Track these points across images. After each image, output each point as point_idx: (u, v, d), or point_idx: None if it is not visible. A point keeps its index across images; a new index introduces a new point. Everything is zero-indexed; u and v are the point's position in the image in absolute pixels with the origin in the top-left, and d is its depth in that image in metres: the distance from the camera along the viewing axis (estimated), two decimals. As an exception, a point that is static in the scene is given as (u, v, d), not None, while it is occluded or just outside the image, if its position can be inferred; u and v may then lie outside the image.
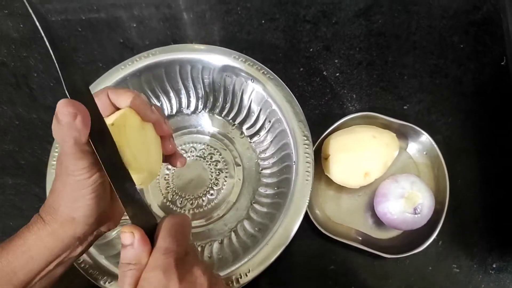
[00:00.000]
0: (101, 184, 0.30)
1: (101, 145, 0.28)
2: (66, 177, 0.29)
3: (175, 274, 0.28)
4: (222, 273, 0.42)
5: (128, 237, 0.28)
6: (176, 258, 0.28)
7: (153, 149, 0.35)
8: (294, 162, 0.47)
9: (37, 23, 0.27)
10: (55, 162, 0.48)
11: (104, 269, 0.43)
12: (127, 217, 0.29)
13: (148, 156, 0.33)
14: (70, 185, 0.29)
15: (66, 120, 0.25)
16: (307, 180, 0.45)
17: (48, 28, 0.27)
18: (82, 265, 0.43)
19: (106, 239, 0.46)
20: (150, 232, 0.29)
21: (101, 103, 0.32)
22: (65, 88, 0.27)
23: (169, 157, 0.38)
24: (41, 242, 0.30)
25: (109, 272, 0.43)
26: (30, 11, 0.27)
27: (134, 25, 0.63)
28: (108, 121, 0.31)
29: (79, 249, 0.33)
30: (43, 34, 0.27)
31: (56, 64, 0.27)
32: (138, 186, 0.32)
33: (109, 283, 0.42)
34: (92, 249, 0.44)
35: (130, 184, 0.30)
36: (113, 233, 0.48)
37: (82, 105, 0.26)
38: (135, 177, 0.31)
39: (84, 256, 0.44)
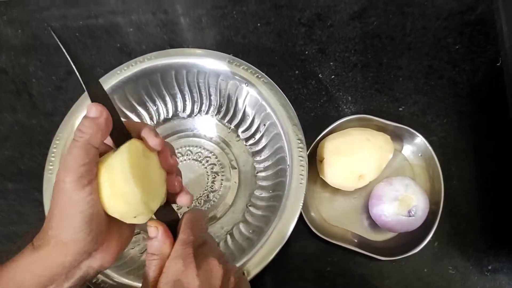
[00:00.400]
0: (93, 205, 0.29)
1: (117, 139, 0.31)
2: (60, 193, 0.28)
3: (193, 263, 0.31)
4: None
5: (153, 230, 0.32)
6: (194, 248, 0.32)
7: (155, 182, 0.33)
8: (288, 165, 0.47)
9: (59, 43, 0.31)
10: (51, 167, 0.49)
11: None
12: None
13: (149, 188, 0.31)
14: (62, 201, 0.28)
15: (93, 115, 0.29)
16: (301, 183, 0.45)
17: (69, 46, 0.31)
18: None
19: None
20: (174, 226, 0.33)
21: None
22: (90, 99, 0.30)
23: (174, 195, 0.36)
24: (30, 269, 0.30)
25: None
26: (53, 35, 0.31)
27: (132, 31, 0.64)
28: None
29: (66, 285, 0.31)
30: (65, 53, 0.30)
31: (81, 80, 0.30)
32: (133, 219, 0.31)
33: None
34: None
35: None
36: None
37: (107, 110, 0.30)
38: (130, 207, 0.30)
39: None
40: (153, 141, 0.33)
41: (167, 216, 0.34)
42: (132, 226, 0.34)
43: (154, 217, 0.33)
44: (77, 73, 0.30)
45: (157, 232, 0.32)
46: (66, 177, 0.28)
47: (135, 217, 0.31)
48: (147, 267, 0.32)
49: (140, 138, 0.33)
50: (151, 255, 0.32)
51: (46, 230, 0.30)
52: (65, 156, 0.29)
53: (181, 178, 0.36)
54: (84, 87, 0.30)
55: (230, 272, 0.34)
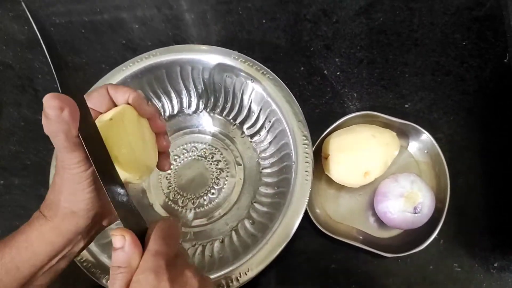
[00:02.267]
0: (96, 178, 0.30)
1: (90, 146, 0.28)
2: (63, 171, 0.29)
3: (165, 276, 0.28)
4: (221, 272, 0.43)
5: (119, 240, 0.28)
6: (166, 260, 0.28)
7: (149, 144, 0.35)
8: (294, 162, 0.47)
9: (36, 28, 0.28)
10: None
11: (106, 268, 0.44)
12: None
13: (145, 150, 0.34)
14: (68, 179, 0.29)
15: (53, 113, 0.26)
16: (306, 180, 0.45)
17: (46, 34, 0.28)
18: (85, 264, 0.44)
19: (108, 239, 0.47)
20: (141, 235, 0.29)
21: (101, 98, 0.33)
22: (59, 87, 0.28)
23: (159, 158, 0.38)
24: (43, 237, 0.31)
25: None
26: (29, 16, 0.28)
27: (137, 26, 0.64)
28: (107, 116, 0.32)
29: (81, 243, 0.33)
30: (41, 39, 0.28)
31: (52, 67, 0.28)
32: (137, 181, 0.33)
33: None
34: (94, 248, 0.45)
35: (120, 187, 0.30)
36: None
37: (68, 97, 0.26)
38: (134, 170, 0.32)
39: (87, 255, 0.45)
40: (147, 110, 0.34)
41: (134, 223, 0.30)
42: None
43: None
44: (50, 61, 0.28)
45: (123, 242, 0.28)
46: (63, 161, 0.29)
47: (138, 178, 0.33)
48: (111, 282, 0.28)
49: (127, 103, 0.34)
50: (116, 268, 0.28)
51: (56, 202, 0.31)
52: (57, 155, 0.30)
53: (168, 136, 0.38)
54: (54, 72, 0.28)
55: (206, 284, 0.31)
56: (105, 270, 0.44)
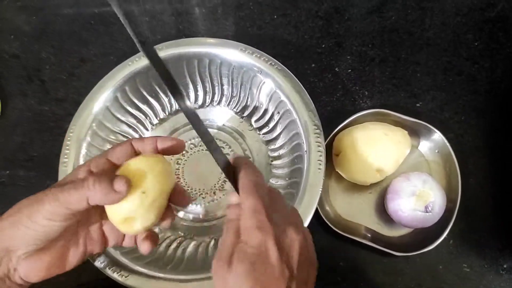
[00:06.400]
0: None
1: None
2: (57, 204, 0.29)
3: (270, 233, 0.28)
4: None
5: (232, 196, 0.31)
6: (268, 214, 0.28)
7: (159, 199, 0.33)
8: (306, 151, 0.46)
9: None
10: (66, 159, 0.48)
11: (113, 259, 0.43)
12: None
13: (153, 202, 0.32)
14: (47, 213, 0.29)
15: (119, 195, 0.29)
16: (319, 169, 0.45)
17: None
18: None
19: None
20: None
21: (124, 152, 0.33)
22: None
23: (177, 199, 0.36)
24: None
25: (118, 263, 0.43)
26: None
27: (147, 19, 0.63)
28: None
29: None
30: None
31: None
32: (120, 228, 0.32)
33: (117, 273, 0.42)
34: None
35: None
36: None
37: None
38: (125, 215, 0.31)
39: None
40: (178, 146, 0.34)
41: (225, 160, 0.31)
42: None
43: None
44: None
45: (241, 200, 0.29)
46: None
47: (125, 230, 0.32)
48: (226, 229, 0.30)
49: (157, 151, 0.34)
50: (229, 221, 0.30)
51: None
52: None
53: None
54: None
55: (307, 238, 0.31)
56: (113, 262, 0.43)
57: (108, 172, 0.31)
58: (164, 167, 0.33)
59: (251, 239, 0.28)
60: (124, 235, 0.36)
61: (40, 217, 0.29)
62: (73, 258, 0.33)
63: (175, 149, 0.34)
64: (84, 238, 0.34)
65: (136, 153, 0.34)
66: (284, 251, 0.28)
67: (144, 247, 0.33)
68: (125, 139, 0.53)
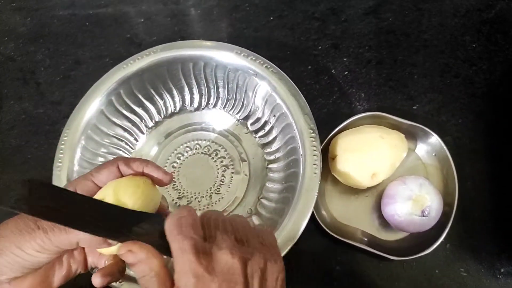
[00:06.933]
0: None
1: None
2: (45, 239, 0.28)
3: (201, 268, 0.26)
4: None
5: (128, 257, 0.28)
6: (196, 249, 0.26)
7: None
8: (302, 155, 0.46)
9: None
10: (60, 163, 0.48)
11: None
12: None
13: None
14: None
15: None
16: (315, 173, 0.44)
17: None
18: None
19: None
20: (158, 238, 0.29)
21: (110, 175, 0.32)
22: None
23: None
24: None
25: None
26: None
27: (142, 21, 0.63)
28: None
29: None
30: None
31: None
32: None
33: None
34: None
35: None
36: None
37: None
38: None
39: None
40: (163, 178, 0.33)
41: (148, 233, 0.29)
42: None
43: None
44: None
45: (134, 256, 0.28)
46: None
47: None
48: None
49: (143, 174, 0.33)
50: (143, 278, 0.27)
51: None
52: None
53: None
54: None
55: (252, 257, 0.28)
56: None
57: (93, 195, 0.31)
58: (147, 189, 0.32)
59: (184, 282, 0.26)
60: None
61: (29, 249, 0.28)
62: (57, 279, 0.33)
63: (159, 181, 0.33)
64: (67, 259, 0.33)
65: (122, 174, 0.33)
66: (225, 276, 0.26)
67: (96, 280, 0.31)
68: (119, 143, 0.54)
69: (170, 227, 0.28)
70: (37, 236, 0.28)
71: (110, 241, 0.29)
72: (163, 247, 0.28)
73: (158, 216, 0.30)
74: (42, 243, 0.28)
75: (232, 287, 0.26)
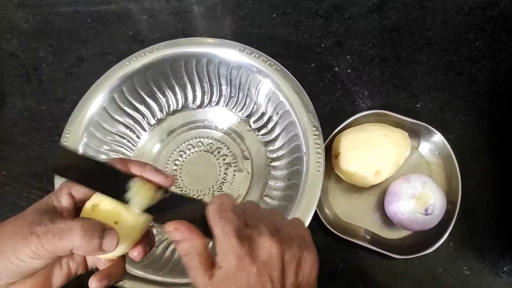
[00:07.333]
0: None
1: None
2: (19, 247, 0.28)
3: (244, 252, 0.27)
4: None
5: (174, 234, 0.29)
6: (238, 233, 0.28)
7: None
8: (305, 153, 0.46)
9: None
10: None
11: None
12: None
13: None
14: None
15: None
16: (318, 171, 0.44)
17: None
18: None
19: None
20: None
21: None
22: None
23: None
24: None
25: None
26: None
27: (144, 18, 0.63)
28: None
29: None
30: None
31: None
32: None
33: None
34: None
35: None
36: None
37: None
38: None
39: None
40: (162, 180, 0.33)
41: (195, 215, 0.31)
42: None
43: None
44: None
45: (179, 234, 0.29)
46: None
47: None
48: (189, 268, 0.29)
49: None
50: (186, 256, 0.29)
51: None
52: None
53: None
54: None
55: (290, 245, 0.29)
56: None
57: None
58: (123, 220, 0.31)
59: (226, 263, 0.27)
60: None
61: (24, 256, 0.28)
62: (57, 280, 0.33)
63: (159, 185, 0.33)
64: (67, 260, 0.33)
65: None
66: (267, 266, 0.27)
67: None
68: (122, 140, 0.54)
69: (212, 212, 0.29)
70: (31, 242, 0.28)
71: (104, 248, 0.29)
72: (203, 231, 0.30)
73: (199, 201, 0.31)
74: (35, 249, 0.28)
75: (269, 271, 0.27)
